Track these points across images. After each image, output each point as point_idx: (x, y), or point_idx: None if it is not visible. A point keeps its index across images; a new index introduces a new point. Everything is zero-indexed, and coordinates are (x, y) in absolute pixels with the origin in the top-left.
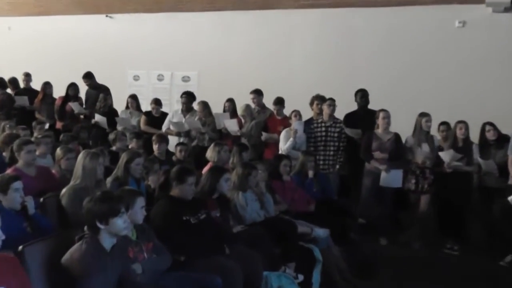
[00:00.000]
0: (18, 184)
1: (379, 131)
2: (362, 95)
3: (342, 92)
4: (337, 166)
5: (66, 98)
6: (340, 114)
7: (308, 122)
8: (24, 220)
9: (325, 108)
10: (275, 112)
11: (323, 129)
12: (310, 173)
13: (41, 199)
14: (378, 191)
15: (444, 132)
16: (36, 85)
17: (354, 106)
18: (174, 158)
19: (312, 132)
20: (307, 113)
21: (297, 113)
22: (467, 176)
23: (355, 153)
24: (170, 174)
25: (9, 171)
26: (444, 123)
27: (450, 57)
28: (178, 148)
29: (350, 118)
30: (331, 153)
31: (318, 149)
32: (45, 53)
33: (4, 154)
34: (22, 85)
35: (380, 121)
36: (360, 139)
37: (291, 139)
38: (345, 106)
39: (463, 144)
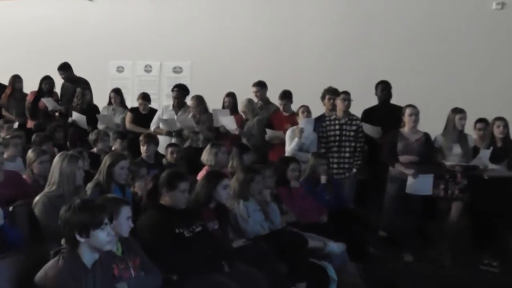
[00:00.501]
0: None
1: (405, 129)
2: (383, 88)
3: (359, 85)
4: (354, 170)
5: (39, 93)
6: (356, 109)
7: (320, 119)
8: None
9: (339, 103)
10: (281, 107)
11: (337, 127)
12: (323, 179)
13: (10, 208)
14: (403, 199)
15: (481, 131)
16: (3, 78)
17: (373, 101)
18: (164, 161)
19: (324, 130)
20: (319, 109)
21: (305, 109)
22: (506, 181)
23: (374, 155)
24: (159, 179)
25: None
26: (481, 120)
27: (486, 43)
28: (169, 149)
29: (369, 114)
30: (347, 154)
31: (332, 150)
32: (14, 41)
33: None
34: None
35: (406, 118)
36: (380, 139)
37: (296, 139)
38: (363, 100)
39: (503, 144)
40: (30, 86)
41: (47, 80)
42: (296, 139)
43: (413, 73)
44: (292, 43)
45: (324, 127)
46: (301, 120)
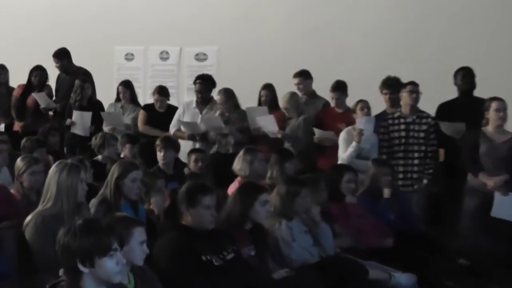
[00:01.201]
0: None
1: (488, 128)
2: (464, 75)
3: (430, 73)
4: (425, 181)
5: (28, 87)
6: (426, 105)
7: (380, 118)
8: None
9: (405, 97)
10: (333, 102)
11: (403, 126)
12: (386, 192)
13: None
14: (487, 218)
15: None
16: None
17: (450, 93)
18: (186, 171)
19: (386, 132)
20: (379, 105)
21: (365, 105)
22: None
23: (453, 161)
24: (179, 194)
25: None
26: None
27: None
28: (192, 156)
29: (447, 110)
30: (415, 161)
31: (396, 157)
32: None
33: None
34: None
35: (491, 114)
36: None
37: (354, 143)
38: (435, 93)
39: None
40: (17, 78)
41: (37, 71)
42: (354, 143)
43: (500, 60)
44: (342, 24)
45: (385, 127)
46: (359, 119)
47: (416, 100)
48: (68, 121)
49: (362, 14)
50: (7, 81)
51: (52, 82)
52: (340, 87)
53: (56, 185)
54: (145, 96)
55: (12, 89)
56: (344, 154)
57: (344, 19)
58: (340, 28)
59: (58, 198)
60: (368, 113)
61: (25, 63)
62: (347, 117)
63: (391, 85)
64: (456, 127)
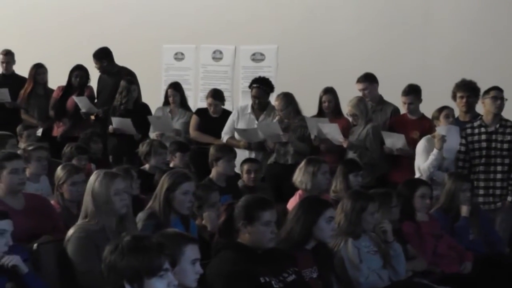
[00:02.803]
0: (5, 225)
1: None
2: None
3: None
4: (509, 199)
5: (68, 89)
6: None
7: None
8: (7, 279)
9: (488, 103)
10: (404, 108)
11: (484, 137)
12: (464, 210)
13: (34, 246)
14: None
15: None
16: (22, 69)
17: None
18: (240, 183)
19: (465, 142)
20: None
21: (450, 113)
22: None
23: None
24: (235, 209)
25: None
26: None
27: None
28: (245, 167)
29: None
30: (498, 176)
31: (476, 170)
32: (37, 21)
33: None
34: (0, 69)
35: None
36: None
37: (435, 150)
38: None
39: None
40: (57, 79)
41: (78, 71)
42: (435, 150)
43: None
44: (418, 20)
45: (464, 137)
46: (441, 127)
47: (500, 107)
48: (110, 129)
49: (447, 8)
50: (45, 82)
51: (93, 83)
52: (413, 91)
53: (91, 196)
54: (195, 100)
55: (51, 90)
56: (424, 164)
57: (421, 15)
58: (416, 26)
59: (99, 212)
60: (453, 122)
61: (66, 64)
62: (422, 124)
63: (469, 88)
64: None
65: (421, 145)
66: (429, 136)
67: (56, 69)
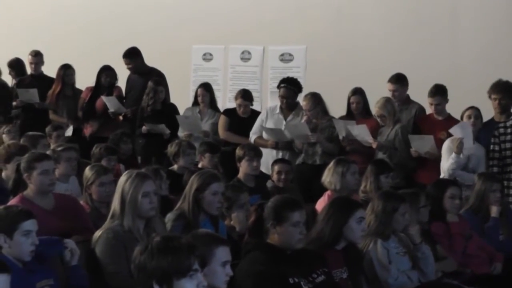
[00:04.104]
0: (30, 225)
1: None
2: None
3: None
4: None
5: (97, 89)
6: None
7: (488, 126)
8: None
9: None
10: (431, 108)
11: None
12: (494, 211)
13: None
14: None
15: None
16: (50, 69)
17: None
18: (269, 184)
19: (497, 142)
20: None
21: (474, 113)
22: None
23: None
24: (265, 210)
25: (12, 201)
26: None
27: None
28: (276, 168)
29: None
30: None
31: (508, 170)
32: (65, 21)
33: (3, 175)
34: (29, 70)
35: None
36: None
37: (453, 154)
38: None
39: None
40: (85, 79)
41: (107, 72)
42: (453, 154)
43: None
44: (446, 20)
45: (496, 137)
46: (453, 128)
47: None
48: (144, 129)
49: (469, 9)
50: (73, 83)
51: (122, 83)
52: (440, 92)
53: (120, 198)
54: (224, 100)
55: (79, 91)
56: (445, 165)
57: (448, 15)
58: (446, 27)
59: (128, 212)
60: (475, 123)
61: (94, 65)
62: (449, 125)
63: (503, 89)
64: None
65: (445, 146)
66: (452, 138)
67: (84, 70)
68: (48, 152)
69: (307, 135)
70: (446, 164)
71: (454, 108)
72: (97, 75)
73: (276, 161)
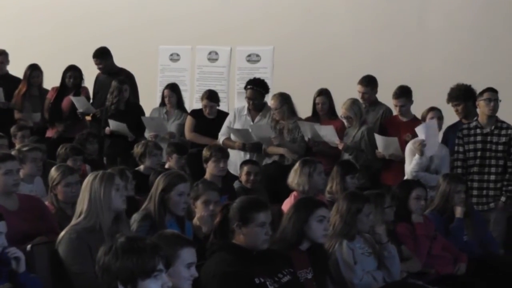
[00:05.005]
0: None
1: None
2: None
3: (508, 79)
4: (503, 199)
5: (62, 90)
6: (506, 114)
7: (454, 128)
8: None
9: (482, 105)
10: (396, 110)
11: (479, 138)
12: (459, 211)
13: (28, 247)
14: None
15: None
16: (16, 69)
17: None
18: (236, 184)
19: (461, 143)
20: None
21: (436, 114)
22: None
23: None
24: (230, 210)
25: None
26: None
27: None
28: (244, 168)
29: None
30: (492, 177)
31: (471, 171)
32: (32, 22)
33: None
34: None
35: None
36: None
37: (416, 156)
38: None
39: None
40: (52, 79)
41: (71, 72)
42: (416, 156)
43: None
44: (413, 22)
45: (460, 138)
46: (417, 128)
47: (494, 109)
48: (107, 130)
49: (443, 11)
50: (40, 83)
51: (88, 83)
52: (404, 93)
53: (89, 196)
54: (191, 100)
55: (46, 91)
56: (408, 167)
57: (416, 18)
58: (414, 29)
59: (92, 211)
60: (440, 124)
61: (62, 65)
62: (414, 126)
63: (454, 97)
64: None
65: (408, 149)
66: (415, 139)
67: (51, 71)
68: (13, 152)
69: (270, 138)
70: (409, 166)
71: (421, 110)
72: (62, 75)
73: (245, 162)
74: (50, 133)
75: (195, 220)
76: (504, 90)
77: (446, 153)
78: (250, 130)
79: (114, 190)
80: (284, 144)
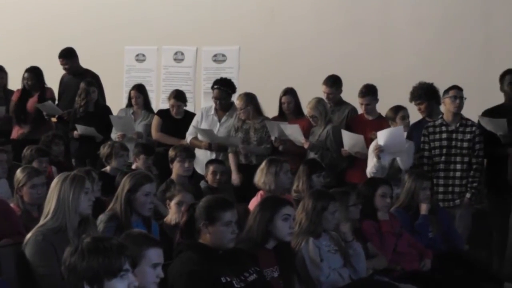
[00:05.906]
0: None
1: None
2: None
3: (473, 77)
4: (468, 196)
5: (25, 91)
6: (470, 111)
7: (419, 125)
8: None
9: (447, 103)
10: (362, 108)
11: (444, 135)
12: (424, 208)
13: None
14: None
15: None
16: None
17: (495, 99)
18: (202, 184)
19: (426, 141)
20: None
21: (405, 114)
22: None
23: (500, 173)
24: (196, 210)
25: None
26: None
27: None
28: (210, 168)
29: (492, 117)
30: (457, 174)
31: (436, 168)
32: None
33: None
34: None
35: None
36: (506, 136)
37: (374, 159)
38: (480, 100)
39: None
40: (17, 81)
41: (27, 74)
42: (374, 159)
43: None
44: (379, 21)
45: (426, 135)
46: (379, 133)
47: (459, 106)
48: (75, 134)
49: (407, 10)
50: (5, 84)
51: (53, 85)
52: (370, 92)
53: (57, 197)
54: (157, 101)
55: (11, 92)
56: (367, 168)
57: (380, 16)
58: (379, 28)
59: (59, 212)
60: (404, 123)
61: (24, 64)
62: (379, 124)
63: (417, 96)
64: (497, 123)
65: (370, 148)
66: (375, 143)
67: (16, 73)
68: None
69: (237, 145)
70: (368, 167)
71: (386, 108)
72: (22, 77)
73: (210, 162)
74: (15, 135)
75: (169, 220)
76: (469, 88)
77: (411, 148)
78: (217, 131)
79: (83, 194)
80: (251, 151)
